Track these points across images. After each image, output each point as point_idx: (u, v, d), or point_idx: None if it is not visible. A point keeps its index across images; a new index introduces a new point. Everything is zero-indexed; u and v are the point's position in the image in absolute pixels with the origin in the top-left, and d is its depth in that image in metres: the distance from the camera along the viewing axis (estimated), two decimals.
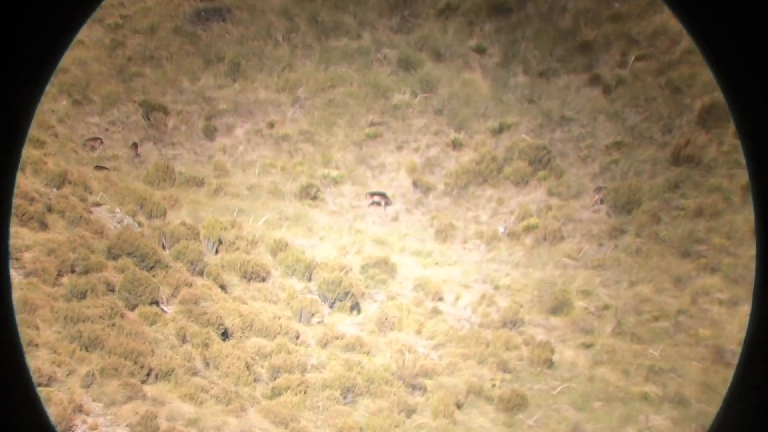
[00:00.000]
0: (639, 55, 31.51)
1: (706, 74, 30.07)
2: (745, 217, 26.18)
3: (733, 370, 4.73)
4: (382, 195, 29.97)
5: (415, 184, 30.53)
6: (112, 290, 20.59)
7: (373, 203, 29.89)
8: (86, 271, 20.53)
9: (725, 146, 28.58)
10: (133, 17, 34.33)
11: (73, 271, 20.37)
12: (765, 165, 4.26)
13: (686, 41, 30.89)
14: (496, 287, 26.75)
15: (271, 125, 31.90)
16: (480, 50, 33.19)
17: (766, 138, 4.18)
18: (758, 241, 4.60)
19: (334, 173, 30.75)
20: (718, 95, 29.18)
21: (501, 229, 29.03)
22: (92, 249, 21.37)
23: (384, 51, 33.47)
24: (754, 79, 4.15)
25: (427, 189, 30.39)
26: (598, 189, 29.02)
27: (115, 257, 21.66)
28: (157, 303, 21.17)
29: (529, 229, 28.64)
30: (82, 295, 19.69)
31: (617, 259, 26.90)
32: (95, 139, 30.29)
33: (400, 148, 31.46)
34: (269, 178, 30.53)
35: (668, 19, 31.65)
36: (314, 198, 30.11)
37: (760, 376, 4.35)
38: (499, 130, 31.24)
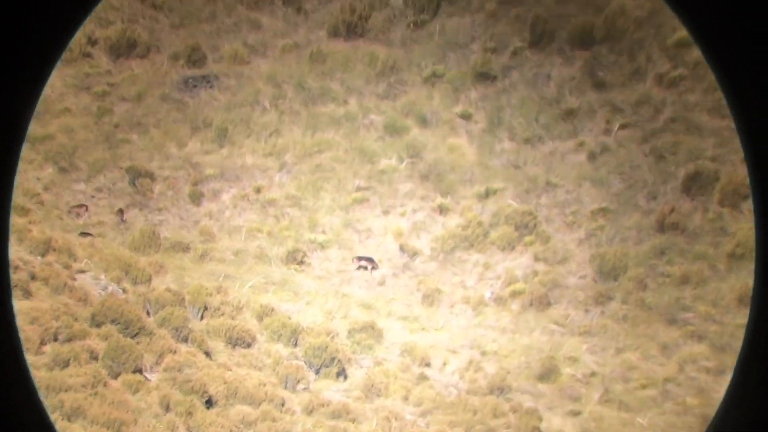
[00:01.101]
0: (623, 123, 31.87)
1: (689, 142, 30.46)
2: (731, 285, 26.25)
3: None
4: (369, 259, 29.97)
5: (401, 248, 30.54)
6: (96, 358, 20.32)
7: (360, 267, 29.87)
8: (69, 339, 20.30)
9: (710, 214, 28.78)
10: (121, 85, 34.58)
11: (56, 340, 20.14)
12: (765, 165, 4.27)
13: (669, 110, 31.33)
14: (483, 353, 26.61)
15: (258, 190, 31.96)
16: (466, 116, 33.51)
17: (766, 138, 4.20)
18: (758, 240, 4.60)
19: (321, 238, 30.75)
20: (702, 163, 29.52)
21: (487, 294, 28.99)
22: (76, 317, 21.17)
23: (371, 117, 33.75)
24: (755, 78, 4.17)
25: (413, 253, 30.40)
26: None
27: (98, 325, 21.44)
28: (140, 371, 20.91)
29: (515, 294, 28.61)
30: (65, 364, 19.44)
31: (604, 326, 26.85)
32: (81, 206, 30.27)
33: (386, 212, 31.54)
34: (255, 243, 30.49)
35: (651, 88, 32.14)
36: (301, 262, 30.05)
37: (760, 376, 4.33)
38: (485, 196, 31.38)
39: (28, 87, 4.50)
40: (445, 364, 26.19)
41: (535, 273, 29.15)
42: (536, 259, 29.60)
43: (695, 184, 29.44)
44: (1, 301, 4.62)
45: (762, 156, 4.29)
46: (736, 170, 28.77)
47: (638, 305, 27.18)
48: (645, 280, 27.79)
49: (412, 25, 36.44)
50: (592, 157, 31.59)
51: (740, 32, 4.15)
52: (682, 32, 31.87)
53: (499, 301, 28.64)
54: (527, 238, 30.05)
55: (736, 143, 30.57)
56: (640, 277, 27.90)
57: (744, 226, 27.45)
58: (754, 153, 4.38)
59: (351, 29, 36.23)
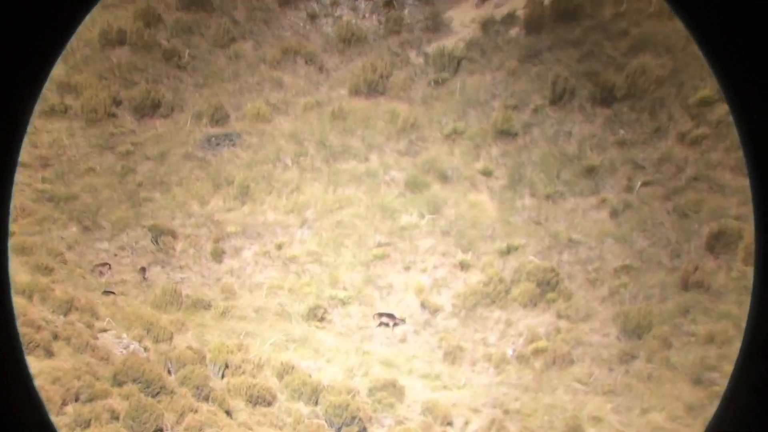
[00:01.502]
0: (645, 180, 31.79)
1: (713, 200, 30.30)
2: None
3: None
4: (390, 315, 29.86)
5: (422, 305, 30.42)
6: (117, 418, 20.26)
7: (381, 324, 29.75)
8: (91, 399, 20.26)
9: (734, 272, 28.53)
10: (144, 144, 35.00)
11: (77, 400, 20.11)
12: (765, 164, 4.23)
13: (692, 168, 31.25)
14: (506, 412, 26.30)
15: (279, 247, 32.04)
16: (486, 173, 33.58)
17: (766, 138, 4.17)
18: (758, 240, 4.55)
19: (342, 294, 30.70)
20: (726, 222, 29.34)
21: (510, 352, 28.75)
22: (97, 376, 21.16)
23: (391, 173, 33.88)
24: (755, 78, 4.15)
25: (435, 310, 30.27)
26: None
27: (120, 384, 21.42)
28: (161, 430, 20.82)
29: (538, 352, 28.35)
30: (86, 424, 19.39)
31: (628, 385, 26.52)
32: (103, 264, 30.46)
33: (407, 268, 31.48)
34: (276, 300, 30.48)
35: (673, 146, 32.11)
36: (321, 319, 29.98)
37: (759, 375, 4.26)
38: (507, 252, 31.28)
39: (28, 87, 4.52)
40: (467, 423, 25.91)
41: (558, 330, 28.90)
42: (559, 316, 29.37)
43: (719, 243, 29.24)
44: (0, 302, 4.62)
45: (762, 155, 4.28)
46: None
47: (663, 364, 26.85)
48: (669, 339, 27.50)
49: (432, 82, 36.76)
50: (614, 214, 31.48)
51: (740, 31, 4.16)
52: (704, 91, 31.96)
53: (522, 358, 28.38)
54: (549, 295, 29.86)
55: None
56: (664, 335, 27.60)
57: None
58: (754, 153, 4.36)
59: (372, 87, 36.58)
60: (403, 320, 29.98)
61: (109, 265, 30.54)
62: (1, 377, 4.51)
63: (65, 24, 4.56)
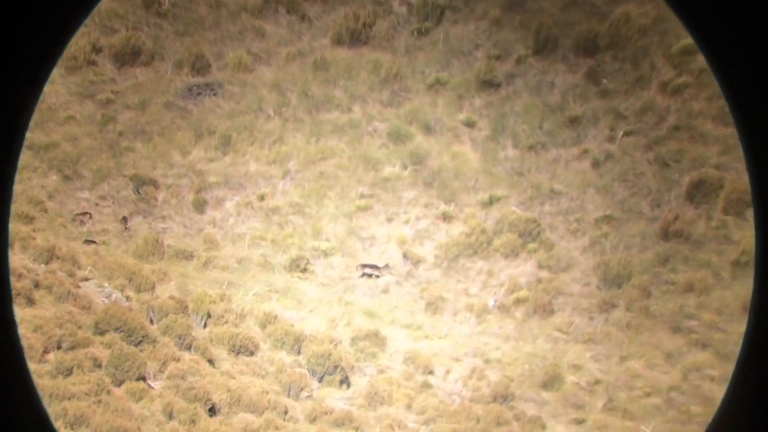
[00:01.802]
0: (627, 130, 31.82)
1: (693, 150, 30.40)
2: (735, 293, 26.18)
3: None
4: (374, 266, 29.94)
5: (405, 256, 30.51)
6: (99, 366, 20.32)
7: (364, 275, 29.84)
8: (73, 347, 20.29)
9: (714, 222, 28.72)
10: (125, 93, 34.63)
11: (59, 348, 20.14)
12: (765, 164, 4.26)
13: (673, 118, 31.29)
14: (487, 361, 26.56)
15: (262, 198, 31.97)
16: (469, 124, 33.50)
17: (767, 138, 4.19)
18: (758, 240, 4.59)
19: (324, 245, 30.72)
20: (706, 171, 29.49)
21: (491, 302, 28.94)
22: (79, 325, 21.17)
23: (374, 124, 33.75)
24: (755, 78, 4.16)
25: (417, 261, 30.36)
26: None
27: (102, 332, 21.44)
28: (144, 379, 20.89)
29: (519, 302, 28.57)
30: (68, 372, 19.43)
31: (608, 334, 26.80)
32: (84, 213, 30.31)
33: (390, 220, 31.51)
34: (259, 251, 30.48)
35: (655, 95, 32.08)
36: (304, 270, 30.04)
37: (759, 375, 4.32)
38: (489, 203, 31.34)
39: (28, 87, 4.49)
40: (448, 372, 26.15)
41: (539, 281, 29.10)
42: (540, 266, 29.55)
43: (699, 192, 29.39)
44: (1, 305, 4.61)
45: (762, 155, 4.28)
46: (741, 178, 28.72)
47: (642, 313, 27.12)
48: (649, 288, 27.74)
49: (415, 32, 36.46)
50: (596, 164, 31.54)
51: (741, 32, 4.14)
52: (687, 40, 31.86)
53: (503, 308, 28.60)
54: (531, 246, 30.00)
55: (741, 151, 30.46)
56: (644, 284, 27.84)
57: (748, 234, 27.38)
58: (754, 154, 4.37)
59: (355, 37, 36.26)
60: (387, 267, 30.03)
61: (90, 214, 30.41)
62: (1, 379, 4.50)
63: (65, 24, 4.51)
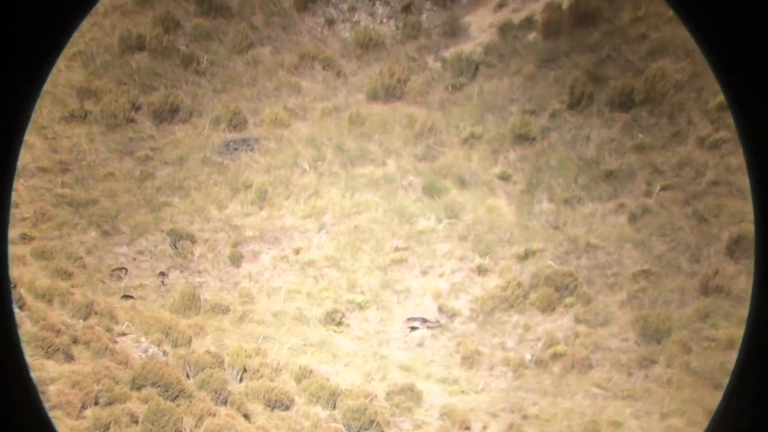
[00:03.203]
0: (664, 185, 31.64)
1: (732, 205, 30.12)
2: None
3: None
4: (423, 320, 29.87)
5: (440, 309, 30.39)
6: (136, 422, 20.38)
7: (412, 329, 29.76)
8: (110, 403, 20.39)
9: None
10: (163, 149, 35.17)
11: (96, 403, 20.24)
12: (765, 163, 4.22)
13: (711, 173, 31.09)
14: (524, 416, 26.23)
15: (297, 251, 32.10)
16: (504, 177, 33.53)
17: (767, 137, 4.16)
18: (758, 240, 4.54)
19: (360, 298, 30.71)
20: (746, 226, 29.17)
21: (528, 357, 28.67)
22: (116, 380, 21.29)
23: (409, 178, 33.88)
24: (756, 78, 4.14)
25: (452, 314, 30.23)
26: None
27: (139, 388, 21.54)
28: None
29: (556, 356, 28.25)
30: (106, 428, 19.50)
31: (648, 390, 26.38)
32: (121, 269, 30.62)
33: (425, 273, 31.46)
34: (294, 304, 30.53)
35: (692, 150, 31.94)
36: (339, 324, 30.01)
37: (760, 375, 4.25)
38: (525, 256, 31.20)
39: (28, 86, 4.53)
40: (485, 428, 25.86)
41: (577, 335, 28.79)
42: (577, 321, 29.26)
43: (739, 247, 29.05)
44: (1, 305, 4.65)
45: (762, 154, 4.27)
46: None
47: (683, 369, 26.70)
48: (689, 344, 27.34)
49: (450, 87, 36.77)
50: (632, 218, 31.34)
51: (741, 32, 4.15)
52: (723, 96, 31.79)
53: (540, 363, 28.29)
54: (568, 300, 29.76)
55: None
56: (684, 340, 27.45)
57: None
58: (754, 152, 4.36)
59: (389, 92, 36.62)
60: (437, 321, 29.92)
61: (126, 269, 30.69)
62: (1, 377, 4.54)
63: (65, 24, 4.58)
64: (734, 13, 4.09)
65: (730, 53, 4.23)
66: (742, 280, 28.55)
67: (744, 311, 27.45)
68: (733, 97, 4.35)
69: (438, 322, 29.94)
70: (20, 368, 4.66)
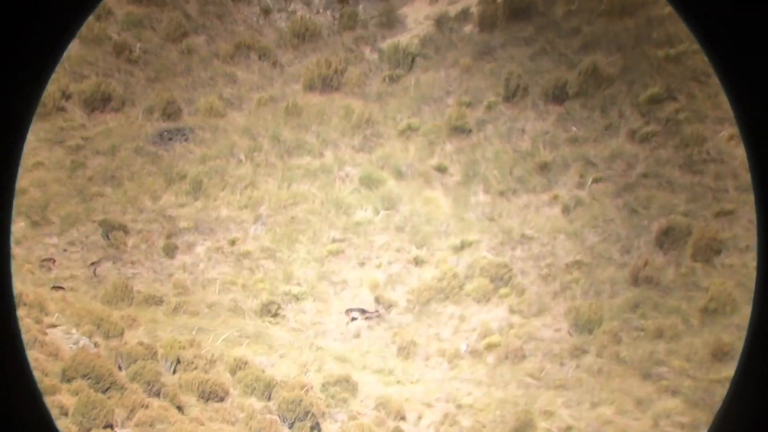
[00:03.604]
0: (596, 177, 32.15)
1: (662, 197, 30.75)
2: (704, 340, 26.31)
3: None
4: (361, 310, 29.88)
5: (377, 300, 30.46)
6: (66, 414, 19.99)
7: (352, 319, 29.75)
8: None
9: (683, 268, 28.94)
10: (95, 139, 34.57)
11: None
12: (766, 163, 4.28)
13: (642, 165, 31.65)
14: (459, 406, 26.43)
15: (233, 243, 31.87)
16: (441, 169, 33.71)
17: (767, 137, 4.22)
18: (759, 240, 4.61)
19: (296, 290, 30.61)
20: (675, 218, 29.79)
21: (463, 347, 28.89)
22: (46, 372, 20.86)
23: (346, 169, 33.87)
24: (756, 76, 4.19)
25: (389, 306, 30.31)
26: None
27: (69, 380, 21.14)
28: (111, 426, 20.57)
29: (491, 347, 28.52)
30: None
31: (579, 380, 26.78)
32: (51, 259, 30.08)
33: (362, 264, 31.50)
34: (230, 296, 30.30)
35: (624, 143, 32.50)
36: (275, 315, 29.87)
37: (761, 375, 4.32)
38: (461, 248, 31.42)
39: (29, 88, 4.51)
40: (420, 417, 25.99)
41: (511, 325, 29.10)
42: (511, 311, 29.58)
43: (668, 239, 29.64)
44: (3, 305, 4.57)
45: (763, 154, 4.33)
46: (708, 225, 29.07)
47: (613, 359, 27.16)
48: (619, 334, 27.81)
49: (387, 79, 36.83)
50: (566, 210, 31.78)
51: (742, 31, 4.20)
52: (654, 89, 32.45)
53: (475, 354, 28.54)
54: (502, 291, 30.05)
55: (708, 199, 31.13)
56: (614, 330, 27.92)
57: (716, 281, 27.63)
58: (754, 153, 4.42)
59: (326, 83, 36.53)
60: (376, 312, 29.95)
61: (55, 260, 30.15)
62: (1, 377, 4.46)
63: (65, 25, 4.52)
64: (736, 10, 4.13)
65: (732, 52, 4.27)
66: (670, 271, 29.13)
67: (672, 301, 28.07)
68: (734, 95, 4.39)
69: (377, 312, 30.00)
70: (21, 367, 4.59)
